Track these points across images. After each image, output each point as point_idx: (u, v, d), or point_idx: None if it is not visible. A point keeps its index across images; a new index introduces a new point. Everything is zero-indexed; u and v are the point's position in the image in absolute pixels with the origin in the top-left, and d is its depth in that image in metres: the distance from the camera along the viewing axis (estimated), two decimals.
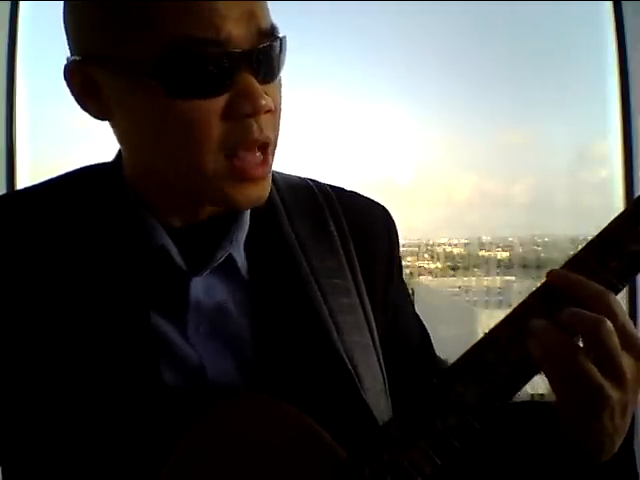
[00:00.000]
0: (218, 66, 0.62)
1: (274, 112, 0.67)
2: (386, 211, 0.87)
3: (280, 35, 0.67)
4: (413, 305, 0.91)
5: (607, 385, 0.59)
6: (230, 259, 0.73)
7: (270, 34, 0.66)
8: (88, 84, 0.67)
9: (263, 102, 0.63)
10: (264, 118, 0.65)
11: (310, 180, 0.85)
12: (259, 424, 0.66)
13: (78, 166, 0.80)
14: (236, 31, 0.62)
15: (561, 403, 0.63)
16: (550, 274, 0.63)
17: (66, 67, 0.68)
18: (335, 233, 0.80)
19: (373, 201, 0.87)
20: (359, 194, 0.87)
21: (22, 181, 2.25)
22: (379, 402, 0.74)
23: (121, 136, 0.71)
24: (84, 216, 0.73)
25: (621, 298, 0.63)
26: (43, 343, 0.68)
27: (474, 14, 2.59)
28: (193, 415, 0.65)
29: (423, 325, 0.89)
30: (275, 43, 0.66)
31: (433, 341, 0.89)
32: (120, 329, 0.69)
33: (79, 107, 0.69)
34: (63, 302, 0.69)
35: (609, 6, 2.23)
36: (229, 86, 0.63)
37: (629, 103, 2.20)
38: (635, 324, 0.60)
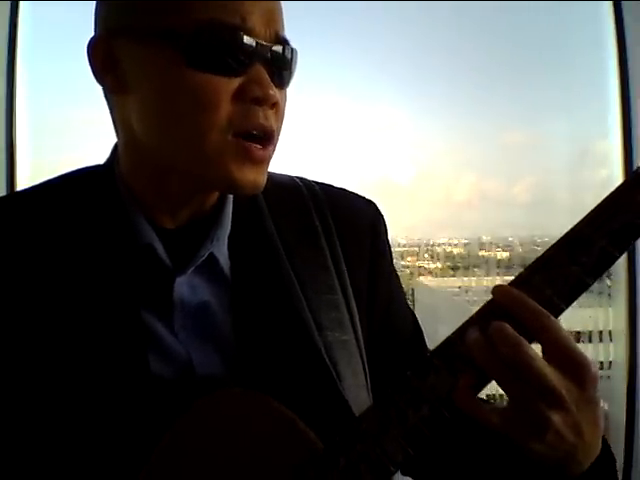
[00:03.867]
0: (240, 50, 0.67)
1: (278, 111, 0.71)
2: (373, 205, 0.88)
3: (293, 47, 0.73)
4: (406, 301, 0.91)
5: (543, 407, 0.59)
6: (212, 258, 0.75)
7: (284, 42, 0.72)
8: (109, 58, 0.71)
9: (272, 92, 0.68)
10: (269, 112, 0.69)
11: (298, 178, 0.87)
12: (239, 416, 0.67)
13: (78, 166, 0.81)
14: (258, 26, 0.68)
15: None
16: (494, 290, 0.64)
17: (90, 42, 0.72)
18: (320, 230, 0.81)
19: (360, 197, 0.88)
20: (347, 190, 0.88)
21: (22, 181, 2.25)
22: (359, 397, 0.75)
23: (130, 110, 0.72)
24: (77, 216, 0.75)
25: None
26: (35, 337, 0.69)
27: (474, 14, 2.60)
28: (182, 407, 0.67)
29: (417, 322, 0.90)
30: (288, 50, 0.72)
31: (433, 341, 0.89)
32: (111, 324, 0.71)
33: (96, 81, 0.73)
34: (55, 298, 0.71)
35: (609, 6, 2.24)
36: (244, 71, 0.68)
37: (629, 103, 2.20)
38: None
